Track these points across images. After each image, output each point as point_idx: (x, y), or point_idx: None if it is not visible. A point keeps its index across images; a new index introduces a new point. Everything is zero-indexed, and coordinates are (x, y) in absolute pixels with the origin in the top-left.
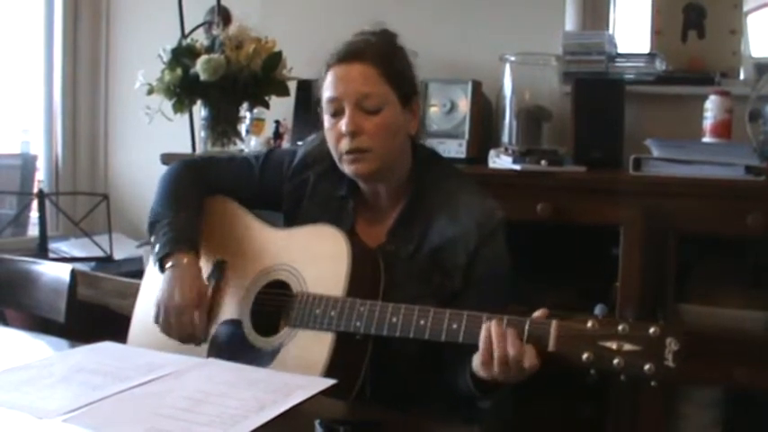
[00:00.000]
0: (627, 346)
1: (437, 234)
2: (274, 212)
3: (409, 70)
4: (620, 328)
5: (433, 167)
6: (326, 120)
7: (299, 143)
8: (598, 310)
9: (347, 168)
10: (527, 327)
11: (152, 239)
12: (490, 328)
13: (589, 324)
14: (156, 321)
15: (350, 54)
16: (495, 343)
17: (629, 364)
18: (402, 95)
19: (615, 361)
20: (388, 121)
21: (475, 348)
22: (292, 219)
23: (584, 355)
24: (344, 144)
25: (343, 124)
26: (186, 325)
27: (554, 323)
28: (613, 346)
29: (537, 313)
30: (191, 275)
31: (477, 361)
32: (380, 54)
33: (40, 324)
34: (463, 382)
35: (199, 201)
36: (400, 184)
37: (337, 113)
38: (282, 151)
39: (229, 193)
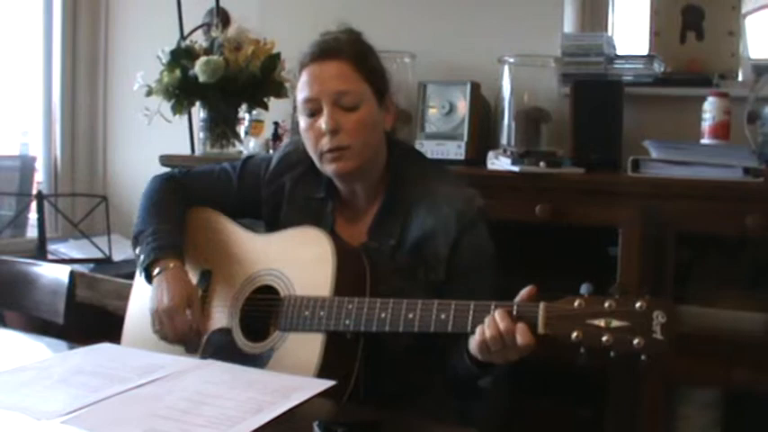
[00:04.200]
0: (615, 323)
1: (417, 227)
2: (256, 220)
3: (382, 67)
4: (606, 305)
5: (409, 162)
6: (303, 120)
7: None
8: (584, 289)
9: (328, 167)
10: (515, 310)
11: (137, 251)
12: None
13: (576, 303)
14: (154, 330)
15: (324, 52)
16: (486, 324)
17: (618, 340)
18: (377, 92)
19: (604, 338)
20: (365, 117)
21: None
22: (273, 224)
23: (574, 335)
24: (324, 143)
25: (322, 122)
26: (180, 326)
27: (542, 305)
28: (601, 323)
29: (524, 290)
30: (178, 278)
31: (473, 346)
32: (354, 50)
33: (39, 325)
34: (461, 365)
35: (181, 212)
36: (377, 181)
37: (315, 113)
38: (259, 158)
39: (210, 204)
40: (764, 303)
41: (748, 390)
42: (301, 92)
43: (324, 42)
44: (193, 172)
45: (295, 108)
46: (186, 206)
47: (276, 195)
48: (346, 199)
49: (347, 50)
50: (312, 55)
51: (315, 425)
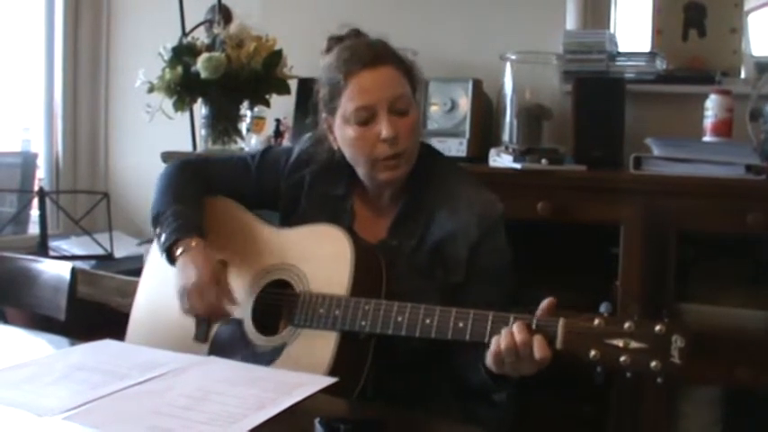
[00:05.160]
0: (633, 344)
1: (438, 228)
2: (272, 212)
3: (415, 66)
4: (626, 325)
5: (432, 163)
6: (352, 130)
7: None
8: (603, 307)
9: (383, 175)
10: (534, 324)
11: (157, 231)
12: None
13: (596, 322)
14: (184, 309)
15: (373, 58)
16: (502, 335)
17: (635, 362)
18: (415, 92)
19: (622, 358)
20: (416, 120)
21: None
22: (289, 217)
23: (592, 353)
24: (383, 150)
25: (383, 129)
26: (210, 301)
27: (561, 321)
28: (620, 343)
29: (543, 303)
30: (202, 255)
31: (489, 358)
32: (395, 54)
33: (41, 322)
34: (476, 376)
35: (199, 194)
36: (403, 181)
37: (367, 121)
38: (279, 150)
39: (227, 193)
40: (766, 301)
41: (750, 388)
42: (353, 101)
43: (368, 48)
44: (211, 159)
45: (298, 106)
46: (203, 191)
47: (295, 188)
48: (371, 197)
49: (391, 55)
50: (362, 61)
51: (316, 422)
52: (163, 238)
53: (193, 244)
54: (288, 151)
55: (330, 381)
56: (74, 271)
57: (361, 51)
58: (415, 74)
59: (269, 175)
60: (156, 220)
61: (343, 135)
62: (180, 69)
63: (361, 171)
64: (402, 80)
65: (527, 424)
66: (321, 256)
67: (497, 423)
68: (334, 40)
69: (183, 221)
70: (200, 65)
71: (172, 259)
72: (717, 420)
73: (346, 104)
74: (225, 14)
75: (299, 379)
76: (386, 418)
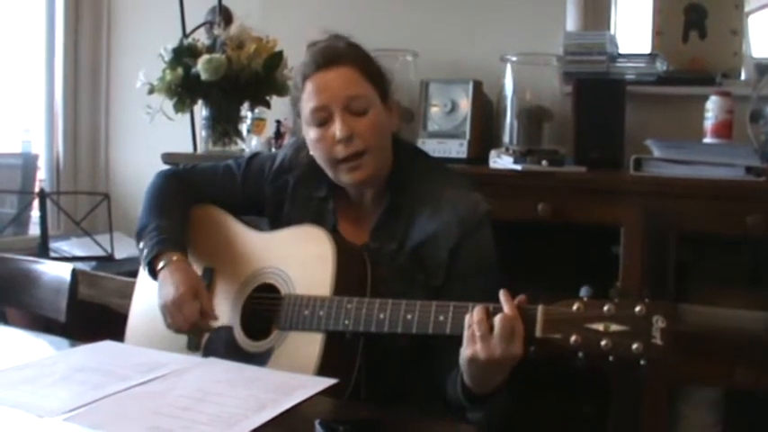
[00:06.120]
0: (614, 327)
1: (419, 230)
2: (260, 218)
3: (382, 68)
4: (605, 309)
5: (415, 163)
6: (313, 131)
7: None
8: (583, 291)
9: (345, 177)
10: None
11: (140, 246)
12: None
13: (575, 307)
14: (167, 325)
15: (328, 59)
16: (477, 308)
17: (616, 345)
18: (381, 93)
19: (603, 342)
20: (376, 120)
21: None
22: (275, 222)
23: (572, 339)
24: (339, 151)
25: (336, 130)
26: (190, 315)
27: (540, 308)
28: (600, 327)
29: (518, 298)
30: (182, 269)
31: (463, 351)
32: (356, 54)
33: (41, 323)
34: (453, 392)
35: (185, 208)
36: (383, 183)
37: (325, 122)
38: (264, 156)
39: (214, 201)
40: (766, 302)
41: (750, 389)
42: (309, 102)
43: (325, 50)
44: (198, 168)
45: (295, 109)
46: (190, 203)
47: (279, 193)
48: (353, 200)
49: (349, 55)
50: (316, 64)
51: (316, 423)
52: (145, 252)
53: (174, 258)
54: (272, 157)
55: (330, 382)
56: (74, 272)
57: (319, 54)
58: (376, 73)
59: (254, 181)
60: (140, 235)
61: (307, 138)
62: (180, 71)
63: (329, 174)
64: (360, 80)
65: (526, 424)
66: (304, 258)
67: (489, 423)
68: (312, 46)
69: (165, 236)
70: (201, 66)
71: (153, 273)
72: (716, 421)
73: (305, 107)
74: (225, 16)
75: (298, 380)
76: (384, 418)
